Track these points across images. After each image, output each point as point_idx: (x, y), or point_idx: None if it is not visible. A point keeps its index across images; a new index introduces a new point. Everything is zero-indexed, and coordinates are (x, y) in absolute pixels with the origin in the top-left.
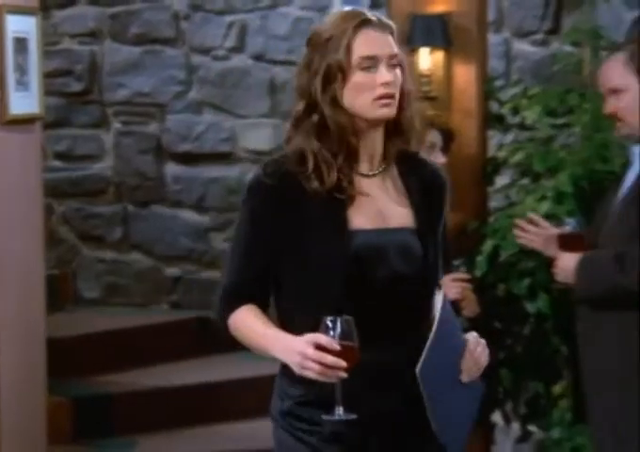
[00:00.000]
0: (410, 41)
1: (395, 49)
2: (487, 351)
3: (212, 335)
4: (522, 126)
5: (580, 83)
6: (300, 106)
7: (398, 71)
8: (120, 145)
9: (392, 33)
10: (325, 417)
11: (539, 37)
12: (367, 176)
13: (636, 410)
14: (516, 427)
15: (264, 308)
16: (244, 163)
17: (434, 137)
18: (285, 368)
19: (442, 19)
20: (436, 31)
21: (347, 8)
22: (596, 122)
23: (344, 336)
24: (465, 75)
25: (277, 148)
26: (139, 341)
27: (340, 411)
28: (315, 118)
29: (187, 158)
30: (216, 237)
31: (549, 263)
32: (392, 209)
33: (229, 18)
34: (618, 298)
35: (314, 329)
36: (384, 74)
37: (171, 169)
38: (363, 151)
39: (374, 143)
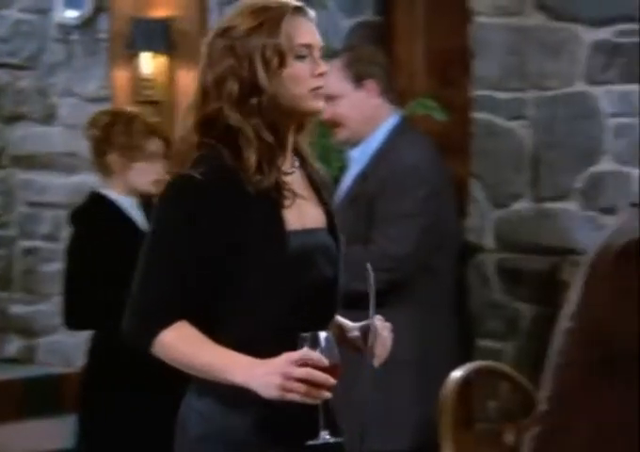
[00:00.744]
0: (132, 46)
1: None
2: (392, 336)
3: None
4: None
5: None
6: (234, 87)
7: None
8: None
9: (314, 23)
10: (310, 442)
11: None
12: (287, 173)
13: (382, 406)
14: None
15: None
16: None
17: (155, 145)
18: (221, 396)
19: (164, 24)
20: (157, 36)
21: None
22: (318, 128)
23: (328, 352)
24: (188, 80)
25: None
26: None
27: (325, 434)
28: (255, 101)
29: None
30: None
31: None
32: (308, 209)
33: None
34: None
35: (243, 344)
36: (322, 65)
37: None
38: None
39: (290, 138)
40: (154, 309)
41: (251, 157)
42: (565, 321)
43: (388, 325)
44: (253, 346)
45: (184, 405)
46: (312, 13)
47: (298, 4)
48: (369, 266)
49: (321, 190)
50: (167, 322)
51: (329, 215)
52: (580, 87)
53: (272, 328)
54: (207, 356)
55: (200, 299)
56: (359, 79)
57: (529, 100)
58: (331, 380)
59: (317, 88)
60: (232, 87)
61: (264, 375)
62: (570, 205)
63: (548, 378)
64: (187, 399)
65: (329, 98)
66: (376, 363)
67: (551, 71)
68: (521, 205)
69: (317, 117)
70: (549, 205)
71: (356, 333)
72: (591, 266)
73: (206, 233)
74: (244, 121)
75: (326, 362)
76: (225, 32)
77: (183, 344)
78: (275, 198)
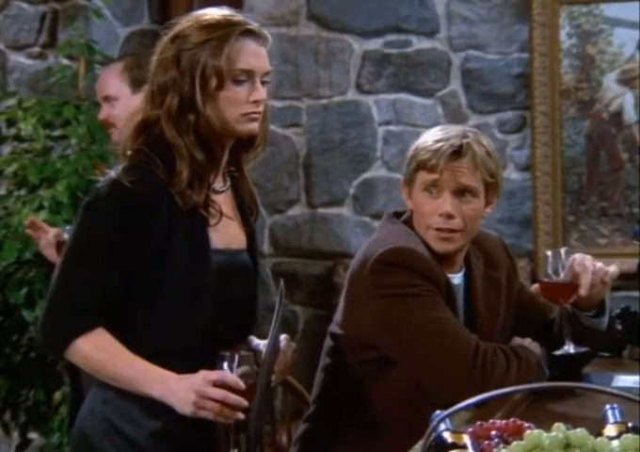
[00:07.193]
0: None
1: (269, 65)
2: (294, 356)
3: None
4: (19, 138)
5: (75, 96)
6: (174, 101)
7: (266, 87)
8: None
9: (267, 46)
10: None
11: (36, 50)
12: (218, 192)
13: None
14: (16, 435)
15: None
16: None
17: None
18: (142, 397)
19: None
20: None
21: (222, 11)
22: (91, 134)
23: (244, 373)
24: None
25: None
26: None
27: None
28: (192, 118)
29: None
30: None
31: (46, 273)
32: (233, 229)
33: None
34: None
35: (160, 354)
36: (259, 92)
37: None
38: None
39: (225, 157)
40: (73, 314)
41: (184, 172)
42: (333, 326)
43: (293, 345)
44: (169, 357)
45: (86, 410)
46: (265, 36)
47: (250, 26)
48: (282, 283)
49: (247, 212)
50: (84, 328)
51: (251, 237)
52: (352, 95)
53: (188, 340)
54: (124, 367)
55: (119, 308)
56: (137, 84)
57: (303, 108)
58: (245, 403)
59: (251, 112)
60: (173, 100)
61: (179, 391)
62: (343, 211)
63: (317, 379)
64: (91, 404)
65: (107, 99)
66: (275, 380)
67: (323, 80)
68: (296, 211)
69: (267, 138)
70: (323, 211)
71: (261, 347)
72: (351, 277)
73: (130, 242)
74: (178, 138)
75: (242, 385)
76: (175, 39)
77: (99, 352)
78: (202, 215)
